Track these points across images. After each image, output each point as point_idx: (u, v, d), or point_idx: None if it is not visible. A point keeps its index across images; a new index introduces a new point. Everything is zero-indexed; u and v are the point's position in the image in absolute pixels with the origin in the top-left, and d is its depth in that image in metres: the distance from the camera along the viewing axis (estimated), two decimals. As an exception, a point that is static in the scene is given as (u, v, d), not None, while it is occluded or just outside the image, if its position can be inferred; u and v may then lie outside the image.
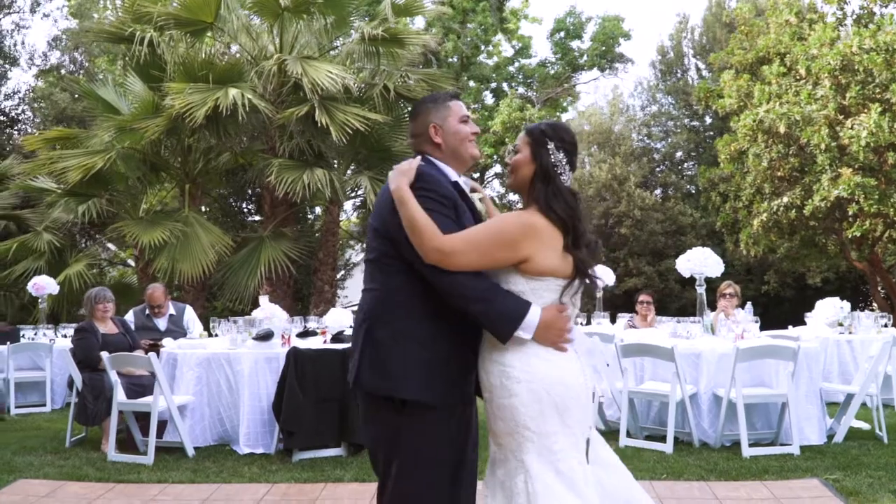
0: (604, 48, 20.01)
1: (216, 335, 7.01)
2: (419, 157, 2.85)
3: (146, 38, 11.61)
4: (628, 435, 6.52)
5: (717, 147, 14.30)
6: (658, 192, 18.83)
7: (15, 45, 16.40)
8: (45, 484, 5.44)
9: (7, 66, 16.29)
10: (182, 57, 11.74)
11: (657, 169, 19.37)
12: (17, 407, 8.71)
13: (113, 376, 6.13)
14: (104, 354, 6.12)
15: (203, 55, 11.95)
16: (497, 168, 20.75)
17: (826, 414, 6.80)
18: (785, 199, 13.07)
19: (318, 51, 12.73)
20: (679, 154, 19.69)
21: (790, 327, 9.34)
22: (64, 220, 12.50)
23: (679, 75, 19.50)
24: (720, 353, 6.30)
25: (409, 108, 13.33)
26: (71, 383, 6.77)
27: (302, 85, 11.24)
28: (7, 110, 16.31)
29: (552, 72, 20.57)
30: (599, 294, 10.21)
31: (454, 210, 2.75)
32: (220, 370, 6.37)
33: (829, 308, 8.96)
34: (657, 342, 6.45)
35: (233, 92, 10.93)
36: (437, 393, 2.72)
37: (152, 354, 6.03)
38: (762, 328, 7.54)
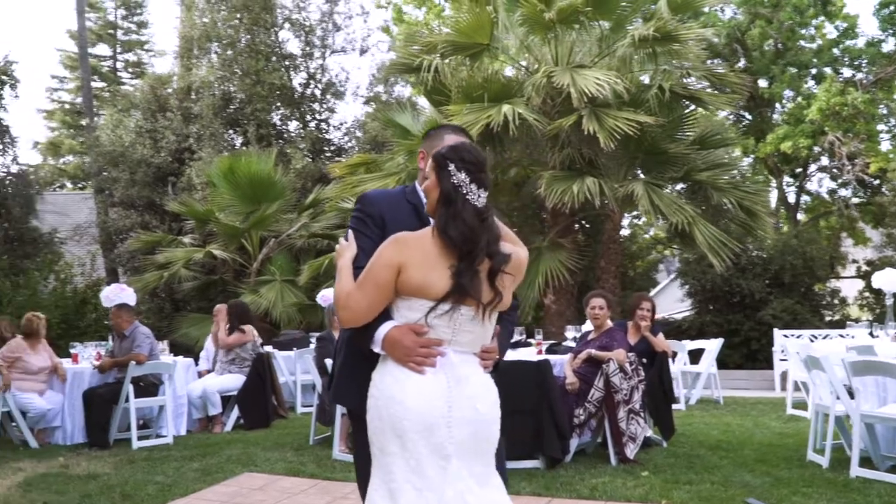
0: (944, 17, 17.42)
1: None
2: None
3: (432, 66, 12.42)
4: (864, 464, 5.78)
5: None
6: None
7: (340, 81, 18.49)
8: (264, 477, 6.14)
9: (334, 100, 18.39)
10: (461, 80, 12.38)
11: None
12: (302, 406, 9.85)
13: (337, 382, 6.73)
14: (327, 361, 6.75)
15: (480, 76, 12.46)
16: (823, 160, 19.00)
17: None
18: None
19: (595, 59, 12.70)
20: None
21: None
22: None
23: None
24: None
25: (690, 108, 12.85)
26: (313, 387, 7.54)
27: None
28: (335, 141, 18.40)
29: (884, 50, 18.32)
30: (890, 301, 9.00)
31: (381, 229, 2.88)
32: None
33: None
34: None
35: (505, 108, 11.33)
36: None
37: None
38: None
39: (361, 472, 2.92)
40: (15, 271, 14.20)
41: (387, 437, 2.58)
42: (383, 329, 2.64)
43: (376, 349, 2.66)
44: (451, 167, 2.66)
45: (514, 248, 2.76)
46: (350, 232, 2.94)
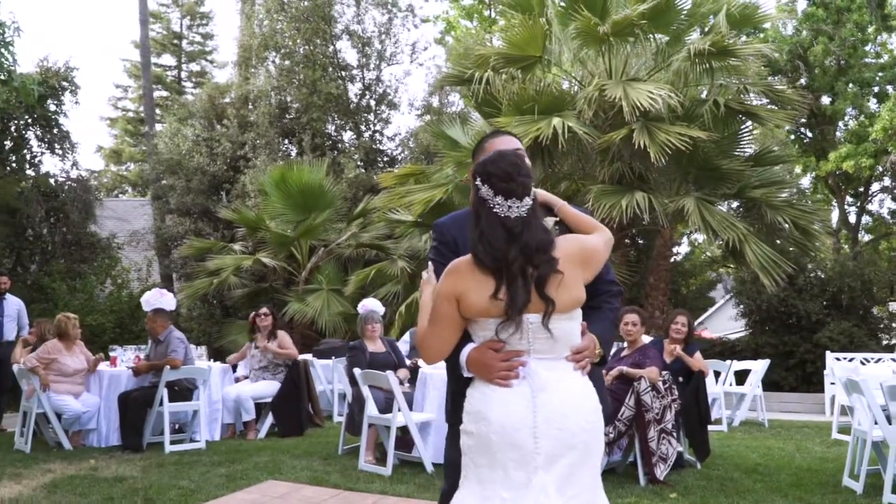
0: None
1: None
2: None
3: (483, 78, 12.36)
4: (896, 490, 5.52)
5: None
6: None
7: (395, 91, 18.64)
8: (287, 485, 6.11)
9: (389, 110, 18.52)
10: (511, 92, 12.28)
11: None
12: (339, 415, 9.83)
13: (365, 391, 6.69)
14: (356, 370, 6.71)
15: (532, 88, 12.33)
16: (886, 181, 18.40)
17: None
18: None
19: (650, 72, 12.49)
20: None
21: None
22: (417, 249, 13.79)
23: None
24: None
25: (746, 124, 12.54)
26: (345, 396, 7.50)
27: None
28: (388, 151, 18.51)
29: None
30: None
31: (456, 253, 2.80)
32: (459, 391, 6.60)
33: None
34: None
35: (555, 121, 11.19)
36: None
37: (389, 373, 6.49)
38: None
39: (450, 479, 2.88)
40: (72, 275, 14.50)
41: (478, 450, 2.56)
42: (464, 353, 2.64)
43: (465, 374, 2.66)
44: (478, 181, 2.57)
45: (580, 237, 2.69)
46: (430, 264, 2.91)
